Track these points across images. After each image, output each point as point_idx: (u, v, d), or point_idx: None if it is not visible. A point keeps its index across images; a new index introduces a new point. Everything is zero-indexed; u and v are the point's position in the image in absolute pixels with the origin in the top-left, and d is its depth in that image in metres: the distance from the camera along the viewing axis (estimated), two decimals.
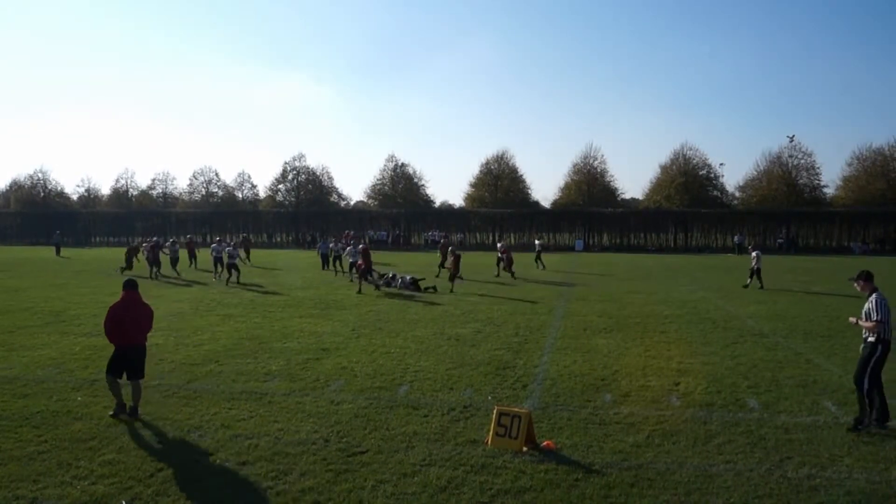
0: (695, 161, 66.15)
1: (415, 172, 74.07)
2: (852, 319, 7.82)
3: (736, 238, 55.09)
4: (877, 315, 7.39)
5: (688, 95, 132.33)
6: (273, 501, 5.51)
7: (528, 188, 71.62)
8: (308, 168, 75.79)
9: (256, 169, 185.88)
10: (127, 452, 6.62)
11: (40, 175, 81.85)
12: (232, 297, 19.68)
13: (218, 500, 5.53)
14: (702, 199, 62.70)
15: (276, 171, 79.00)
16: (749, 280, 23.27)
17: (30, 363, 10.63)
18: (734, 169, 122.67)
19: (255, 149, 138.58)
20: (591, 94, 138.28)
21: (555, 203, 69.40)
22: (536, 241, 35.49)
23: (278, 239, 70.39)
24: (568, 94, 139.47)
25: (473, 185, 72.10)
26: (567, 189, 69.03)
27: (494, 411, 6.93)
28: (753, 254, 23.63)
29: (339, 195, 77.23)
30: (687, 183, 63.75)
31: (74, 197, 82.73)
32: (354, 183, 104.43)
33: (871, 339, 7.48)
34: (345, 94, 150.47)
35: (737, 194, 66.83)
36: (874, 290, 7.65)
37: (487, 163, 71.26)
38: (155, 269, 25.87)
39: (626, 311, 16.73)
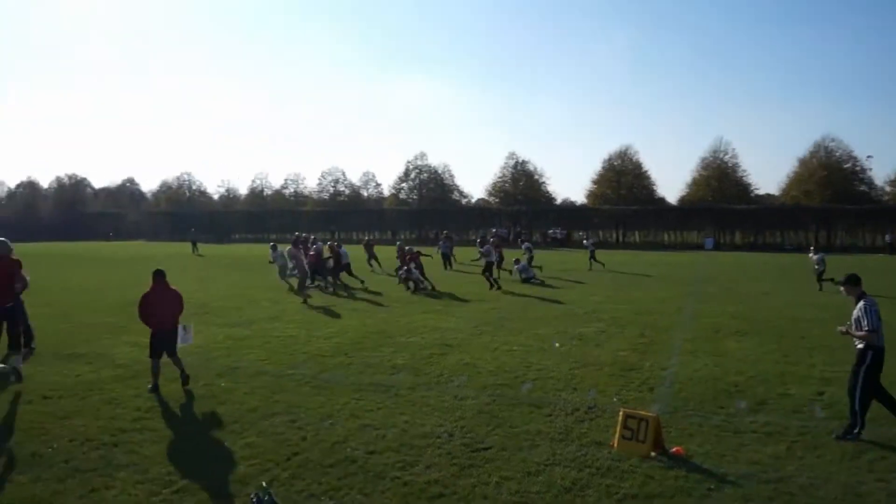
0: (838, 154, 61.54)
1: (535, 169, 73.73)
2: (841, 328, 7.28)
3: (887, 237, 50.42)
4: (867, 324, 6.87)
5: (827, 84, 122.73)
6: (400, 491, 5.68)
7: (653, 184, 69.45)
8: (430, 166, 77.34)
9: (381, 168, 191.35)
10: (265, 436, 7.05)
11: (186, 177, 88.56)
12: (358, 292, 20.39)
13: (348, 486, 5.77)
14: (847, 195, 57.90)
15: (400, 169, 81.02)
16: None
17: (179, 350, 11.49)
18: (884, 161, 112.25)
19: (380, 148, 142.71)
20: (720, 86, 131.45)
21: (682, 199, 66.72)
22: (586, 241, 32.31)
23: (402, 237, 72.31)
24: (694, 87, 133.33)
25: (596, 182, 70.76)
26: (695, 185, 66.18)
27: (620, 414, 6.79)
28: None
29: (461, 193, 78.21)
30: (829, 177, 59.34)
31: (216, 196, 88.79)
32: (475, 181, 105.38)
33: (859, 345, 7.00)
34: (466, 92, 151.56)
35: (887, 188, 61.44)
36: (861, 295, 7.12)
37: (610, 159, 69.74)
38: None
39: (761, 314, 15.84)
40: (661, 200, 68.04)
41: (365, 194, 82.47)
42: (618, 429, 6.71)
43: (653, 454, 6.41)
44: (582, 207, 70.27)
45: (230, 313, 15.91)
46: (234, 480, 5.90)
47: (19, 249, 11.12)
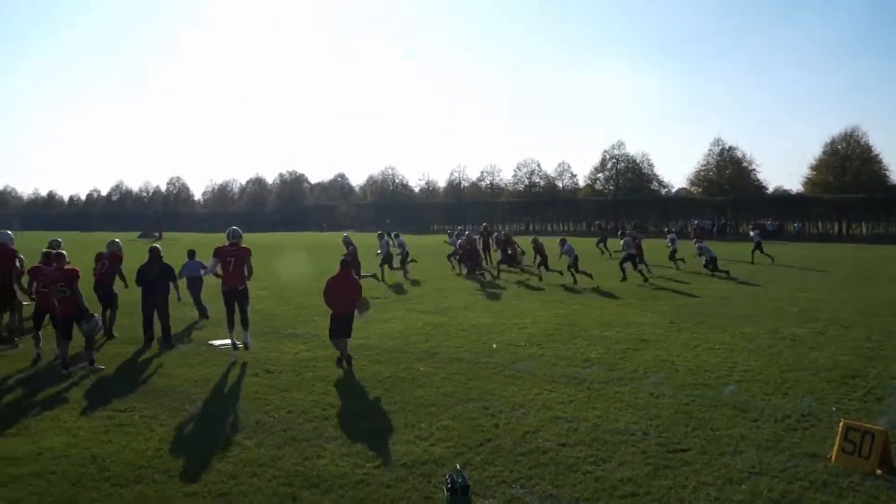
0: None
1: (744, 156, 68.59)
2: None
3: None
4: None
5: None
6: (591, 486, 5.59)
7: (885, 170, 61.58)
8: (627, 156, 74.99)
9: (576, 158, 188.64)
10: (460, 420, 7.28)
11: (390, 171, 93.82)
12: (552, 283, 20.32)
13: (539, 476, 5.79)
14: None
15: (596, 159, 79.63)
16: None
17: (382, 334, 12.25)
18: None
19: (576, 138, 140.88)
20: None
21: None
22: (669, 235, 26.69)
23: (596, 227, 70.81)
24: None
25: (815, 168, 64.28)
26: None
27: (841, 424, 6.13)
28: None
29: (660, 182, 74.99)
30: None
31: (416, 189, 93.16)
32: (676, 169, 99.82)
33: None
34: (666, 78, 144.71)
35: None
36: None
37: (833, 142, 62.92)
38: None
39: None
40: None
41: (560, 185, 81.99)
42: (837, 441, 6.07)
43: (879, 472, 5.72)
44: (798, 196, 64.23)
45: (428, 301, 16.62)
46: (430, 460, 6.17)
47: (248, 239, 12.47)
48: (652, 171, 74.84)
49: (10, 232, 12.25)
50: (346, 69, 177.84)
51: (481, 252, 25.12)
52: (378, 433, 6.92)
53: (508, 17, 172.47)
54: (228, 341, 10.87)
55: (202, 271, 11.36)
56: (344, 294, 9.98)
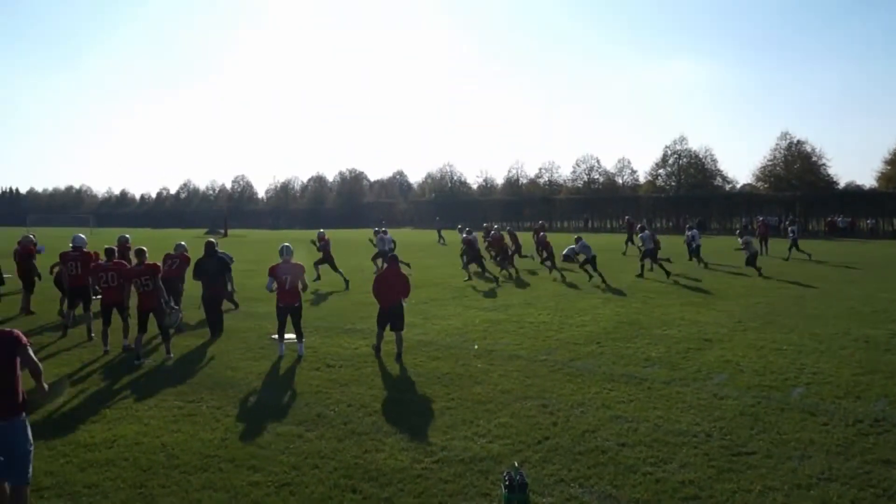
0: None
1: (813, 150, 65.75)
2: None
3: None
4: None
5: None
6: (652, 487, 5.50)
7: None
8: (690, 151, 73.10)
9: (636, 154, 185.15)
10: (518, 418, 7.27)
11: (448, 168, 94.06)
12: (611, 280, 20.03)
13: (598, 476, 5.73)
14: None
15: (657, 155, 77.83)
16: None
17: (440, 331, 12.32)
18: None
19: (636, 133, 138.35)
20: None
21: None
22: (688, 232, 24.95)
23: (658, 224, 69.31)
24: None
25: (889, 163, 61.39)
26: None
27: None
28: None
29: (724, 178, 72.79)
30: None
31: (474, 186, 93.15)
32: (741, 165, 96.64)
33: None
34: (729, 71, 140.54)
35: None
36: None
37: None
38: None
39: None
40: None
41: (620, 181, 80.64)
42: None
43: None
44: (871, 192, 61.44)
45: (486, 298, 16.62)
46: (488, 457, 6.18)
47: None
48: (715, 166, 72.68)
49: (83, 235, 13.03)
50: (404, 67, 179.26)
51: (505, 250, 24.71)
52: (436, 429, 6.97)
53: (567, 12, 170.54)
54: (291, 336, 11.13)
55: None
56: (391, 288, 10.29)
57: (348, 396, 8.13)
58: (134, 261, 11.08)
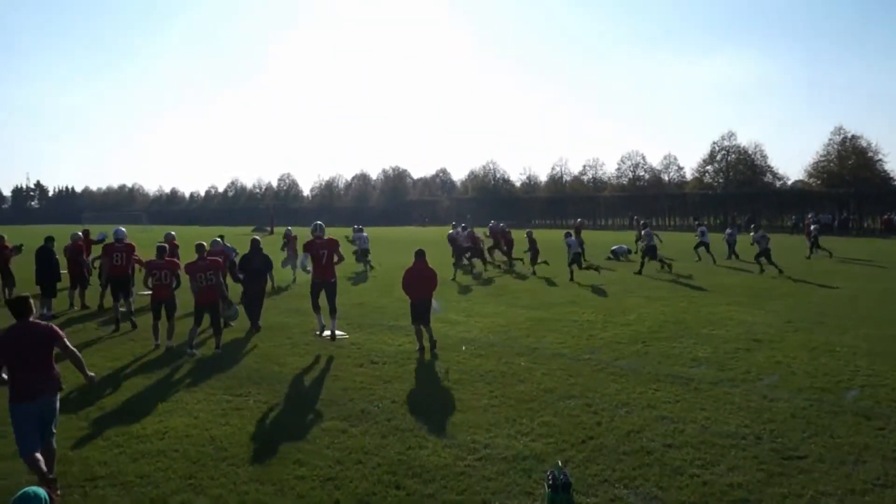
0: None
1: (869, 145, 63.46)
2: None
3: None
4: None
5: None
6: (699, 490, 5.41)
7: None
8: (739, 147, 71.42)
9: (683, 150, 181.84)
10: (562, 417, 7.22)
11: (491, 166, 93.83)
12: (656, 280, 19.77)
13: (643, 477, 5.66)
14: None
15: (704, 151, 76.32)
16: None
17: (483, 328, 12.31)
18: None
19: (683, 129, 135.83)
20: None
21: None
22: (754, 233, 23.20)
23: (706, 222, 67.85)
24: None
25: None
26: None
27: None
28: None
29: (774, 175, 70.92)
30: None
31: (518, 184, 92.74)
32: (793, 161, 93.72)
33: None
34: (781, 66, 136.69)
35: None
36: None
37: None
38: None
39: None
40: None
41: (666, 178, 79.32)
42: None
43: None
44: None
45: (530, 296, 16.54)
46: (531, 456, 6.16)
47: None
48: (765, 162, 70.81)
49: (123, 229, 13.93)
50: (447, 64, 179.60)
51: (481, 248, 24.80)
52: (479, 426, 6.97)
53: (614, 5, 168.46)
54: (339, 332, 11.40)
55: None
56: (420, 282, 10.57)
57: (392, 393, 8.19)
58: (189, 257, 11.45)
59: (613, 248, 27.07)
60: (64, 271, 15.63)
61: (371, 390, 8.32)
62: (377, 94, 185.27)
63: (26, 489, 2.88)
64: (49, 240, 15.22)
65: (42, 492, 2.87)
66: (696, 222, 28.57)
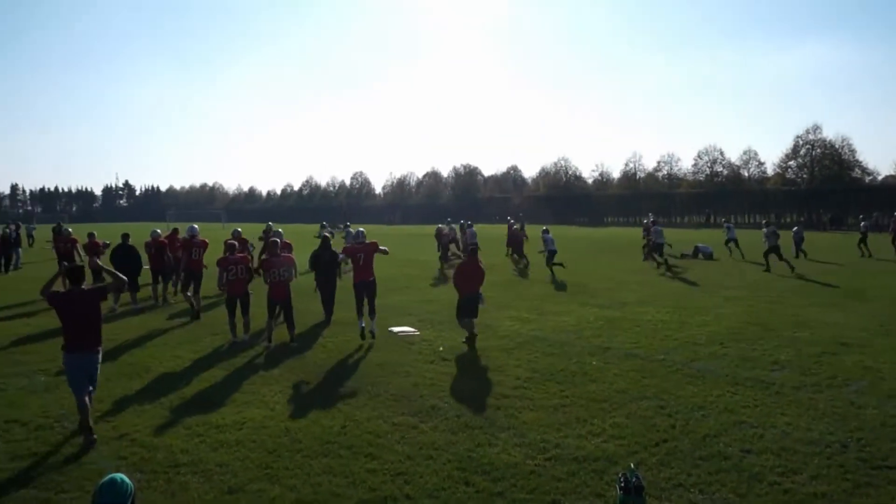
0: None
1: None
2: None
3: None
4: None
5: None
6: (779, 499, 5.20)
7: None
8: (824, 141, 68.13)
9: (764, 145, 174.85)
10: (634, 419, 7.08)
11: (563, 162, 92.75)
12: (735, 278, 19.12)
13: (720, 483, 5.47)
14: None
15: (787, 145, 73.13)
16: None
17: (554, 327, 12.19)
18: None
19: (764, 123, 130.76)
20: None
21: None
22: (765, 228, 22.27)
23: (787, 219, 65.16)
24: None
25: None
26: None
27: None
28: None
29: (863, 170, 67.32)
30: None
31: (590, 181, 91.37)
32: (884, 155, 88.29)
33: None
34: (869, 55, 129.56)
35: None
36: None
37: None
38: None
39: None
40: None
41: (745, 174, 76.50)
42: None
43: None
44: None
45: (602, 294, 16.28)
46: (602, 457, 6.06)
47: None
48: (854, 156, 67.33)
49: (195, 225, 15.66)
50: (518, 62, 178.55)
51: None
52: (549, 426, 6.91)
53: None
54: (408, 329, 11.60)
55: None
56: (469, 279, 11.03)
57: (462, 390, 8.22)
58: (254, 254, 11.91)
59: (698, 244, 26.45)
60: (146, 267, 16.38)
61: (441, 386, 8.37)
62: (450, 91, 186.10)
63: (113, 475, 3.01)
64: (125, 237, 16.07)
65: (128, 479, 3.00)
66: (764, 221, 28.19)
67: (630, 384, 8.36)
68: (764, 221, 28.39)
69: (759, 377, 8.61)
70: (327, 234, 13.93)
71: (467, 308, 10.84)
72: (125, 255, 15.42)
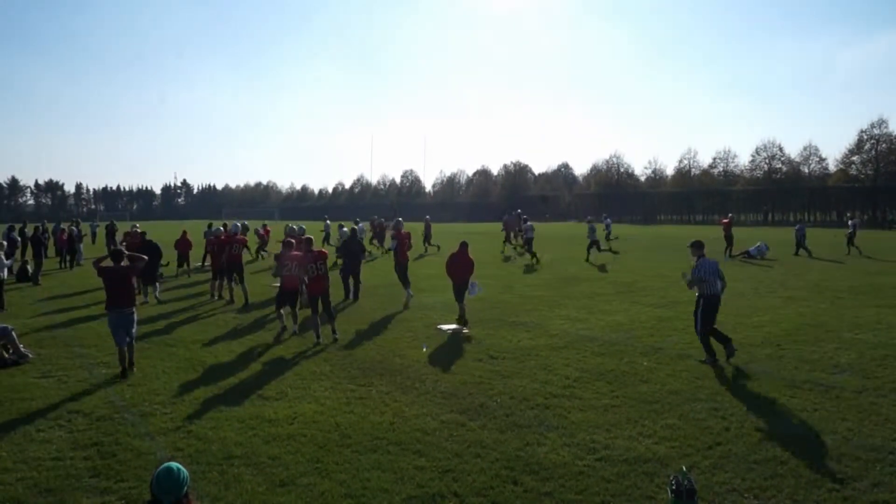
0: None
1: None
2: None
3: None
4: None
5: None
6: None
7: None
8: (891, 135, 65.45)
9: (825, 140, 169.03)
10: (687, 420, 6.94)
11: (615, 160, 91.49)
12: (796, 279, 18.56)
13: (775, 488, 5.32)
14: None
15: (850, 140, 70.44)
16: None
17: (605, 326, 12.05)
18: None
19: (825, 117, 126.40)
20: None
21: None
22: (797, 228, 23.18)
23: (843, 218, 62.73)
24: None
25: None
26: None
27: None
28: None
29: None
30: None
31: (642, 178, 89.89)
32: None
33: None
34: None
35: None
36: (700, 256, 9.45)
37: None
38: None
39: None
40: None
41: (805, 171, 74.10)
42: None
43: None
44: None
45: (654, 293, 16.01)
46: (653, 459, 5.96)
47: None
48: None
49: (238, 224, 19.12)
50: (567, 56, 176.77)
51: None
52: (599, 426, 6.83)
53: None
54: (455, 326, 11.78)
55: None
56: (460, 268, 12.71)
57: (511, 388, 8.19)
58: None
59: (751, 249, 25.36)
60: (197, 264, 17.26)
61: (490, 385, 8.36)
62: (500, 89, 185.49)
63: (169, 463, 3.11)
64: (143, 234, 18.25)
65: (183, 468, 3.09)
66: (848, 215, 27.81)
67: (683, 385, 8.21)
68: (848, 214, 28.56)
69: (818, 380, 8.35)
70: (354, 227, 17.60)
71: (459, 293, 12.64)
72: (145, 251, 16.00)
